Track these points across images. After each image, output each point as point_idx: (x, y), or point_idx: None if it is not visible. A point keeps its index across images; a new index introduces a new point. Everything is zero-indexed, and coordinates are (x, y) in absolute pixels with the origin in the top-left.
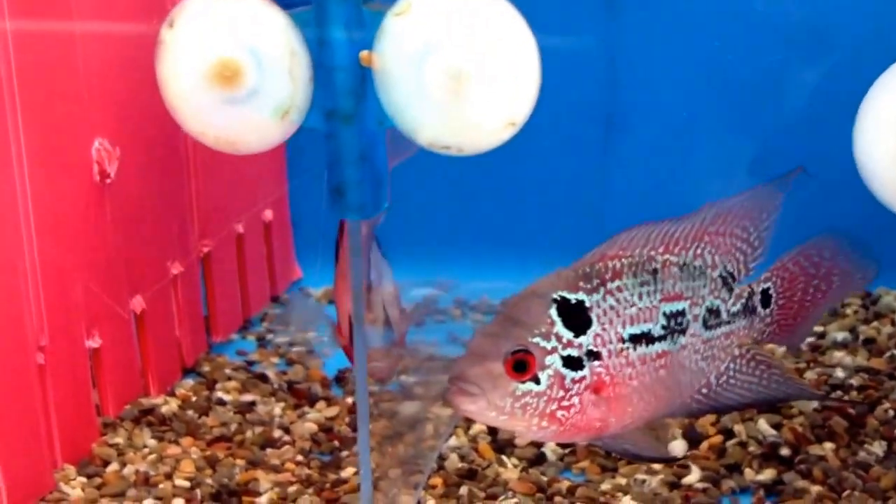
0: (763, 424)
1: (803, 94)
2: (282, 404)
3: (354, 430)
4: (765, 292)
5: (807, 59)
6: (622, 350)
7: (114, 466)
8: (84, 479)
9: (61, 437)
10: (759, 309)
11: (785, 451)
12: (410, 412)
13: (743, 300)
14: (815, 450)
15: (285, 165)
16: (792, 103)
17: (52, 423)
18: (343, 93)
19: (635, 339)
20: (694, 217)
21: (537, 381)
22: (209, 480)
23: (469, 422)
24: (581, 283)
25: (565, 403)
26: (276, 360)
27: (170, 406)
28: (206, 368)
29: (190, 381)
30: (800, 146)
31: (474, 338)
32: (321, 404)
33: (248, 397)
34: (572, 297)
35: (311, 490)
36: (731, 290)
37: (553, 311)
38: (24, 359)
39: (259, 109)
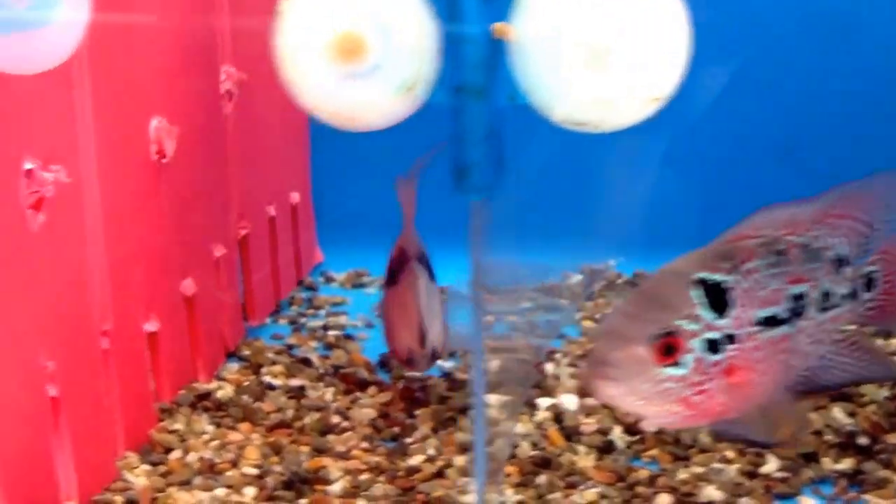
0: (838, 413)
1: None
2: (332, 389)
3: (411, 416)
4: (869, 275)
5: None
6: (754, 333)
7: (176, 454)
8: (148, 467)
9: (124, 424)
10: (864, 292)
11: (863, 440)
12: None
13: (851, 283)
14: (892, 439)
15: (309, 147)
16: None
17: (114, 409)
18: (474, 66)
19: (765, 322)
20: (819, 199)
21: (680, 365)
22: (277, 468)
23: (533, 407)
24: (719, 264)
25: (701, 388)
26: (314, 343)
27: (225, 391)
28: (246, 353)
29: (234, 366)
30: None
31: (612, 319)
32: (372, 389)
33: (296, 382)
34: (713, 277)
35: (382, 478)
36: (841, 273)
37: (696, 292)
38: (90, 344)
39: (382, 84)
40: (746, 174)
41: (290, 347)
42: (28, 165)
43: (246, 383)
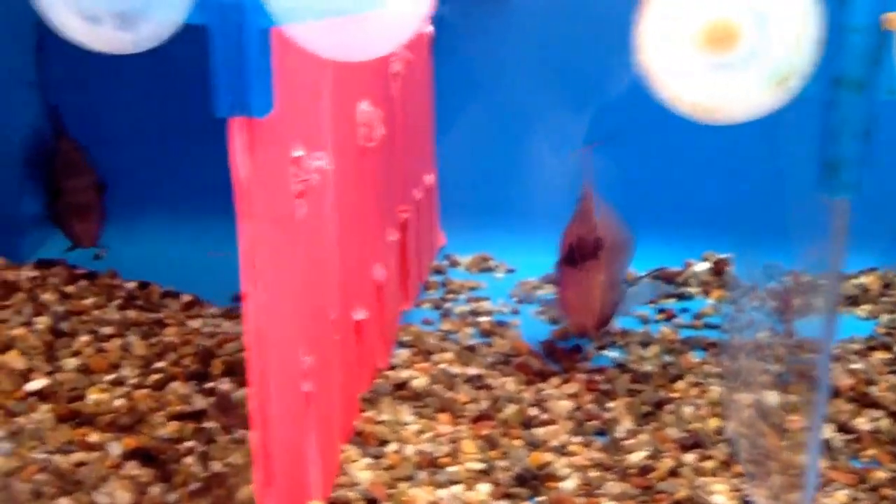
0: None
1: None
2: (511, 379)
3: (604, 408)
4: None
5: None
6: None
7: (393, 446)
8: (369, 461)
9: (339, 416)
10: None
11: None
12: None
13: None
14: None
15: (434, 126)
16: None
17: (336, 401)
18: (857, 58)
19: None
20: None
21: None
22: (501, 463)
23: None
24: None
25: None
26: (469, 330)
27: (420, 381)
28: (406, 338)
29: (404, 352)
30: None
31: None
32: (555, 380)
33: (472, 370)
34: None
35: (612, 475)
36: None
37: None
38: (327, 335)
39: (754, 75)
40: None
41: (448, 333)
42: (297, 153)
43: (434, 372)
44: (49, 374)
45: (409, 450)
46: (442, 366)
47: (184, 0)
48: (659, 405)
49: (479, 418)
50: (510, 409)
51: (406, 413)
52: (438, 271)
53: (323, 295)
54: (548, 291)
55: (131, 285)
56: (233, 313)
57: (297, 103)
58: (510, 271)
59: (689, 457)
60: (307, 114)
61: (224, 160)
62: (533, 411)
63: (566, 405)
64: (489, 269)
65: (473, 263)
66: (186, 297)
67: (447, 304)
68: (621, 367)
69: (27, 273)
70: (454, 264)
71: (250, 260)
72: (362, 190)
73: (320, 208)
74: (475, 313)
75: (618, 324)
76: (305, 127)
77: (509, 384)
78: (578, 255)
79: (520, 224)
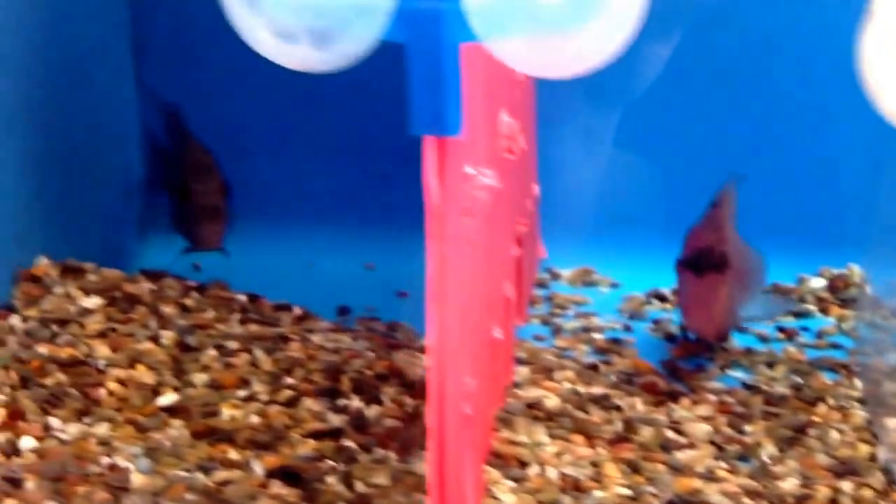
0: None
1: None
2: (638, 399)
3: (742, 432)
4: None
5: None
6: None
7: (534, 469)
8: (512, 483)
9: (480, 436)
10: None
11: None
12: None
13: None
14: None
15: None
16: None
17: (483, 421)
18: None
19: None
20: None
21: None
22: (648, 488)
23: None
24: None
25: None
26: (584, 347)
27: (552, 400)
28: (522, 355)
29: (523, 369)
30: None
31: None
32: (685, 401)
33: (596, 389)
34: None
35: None
36: None
37: None
38: (482, 353)
39: None
40: None
41: (563, 350)
42: (468, 170)
43: (562, 391)
44: (178, 389)
45: (552, 472)
46: (566, 384)
47: (383, 16)
48: (801, 430)
49: (617, 441)
50: (647, 432)
51: (541, 433)
52: (541, 285)
53: (480, 313)
54: (657, 307)
55: (242, 298)
56: (346, 327)
57: (467, 119)
58: (614, 285)
59: (846, 485)
60: (474, 129)
61: (321, 170)
62: (670, 434)
63: (703, 428)
64: (593, 283)
65: (576, 277)
66: (297, 311)
67: (556, 320)
68: (751, 388)
69: (147, 285)
70: (555, 277)
71: (437, 281)
72: (502, 205)
73: (485, 227)
74: (587, 329)
75: (736, 341)
76: (473, 142)
77: (638, 405)
78: (704, 263)
79: (623, 236)
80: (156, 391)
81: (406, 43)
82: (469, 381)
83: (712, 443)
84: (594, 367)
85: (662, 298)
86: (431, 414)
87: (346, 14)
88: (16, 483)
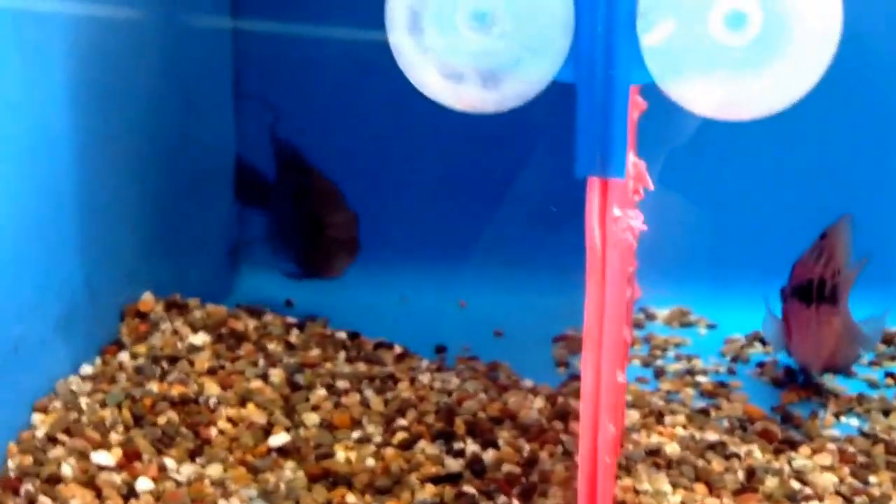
0: None
1: None
2: (755, 446)
3: (867, 483)
4: None
5: None
6: None
7: None
8: None
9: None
10: None
11: None
12: None
13: None
14: None
15: None
16: None
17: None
18: None
19: None
20: None
21: None
22: None
23: None
24: None
25: None
26: (690, 390)
27: (672, 447)
28: (629, 398)
29: (633, 413)
30: None
31: None
32: (804, 449)
33: (710, 436)
34: None
35: None
36: None
37: None
38: (618, 399)
39: None
40: None
41: (668, 393)
42: (616, 212)
43: (678, 437)
44: (289, 429)
45: None
46: (679, 430)
47: (558, 56)
48: None
49: (742, 491)
50: (771, 482)
51: (663, 482)
52: (637, 325)
53: (619, 359)
54: (759, 350)
55: (341, 335)
56: (448, 367)
57: None
58: (711, 326)
59: None
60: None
61: (412, 206)
62: (795, 484)
63: (828, 478)
64: (689, 324)
65: (672, 317)
66: (398, 349)
67: (658, 362)
68: (869, 436)
69: (251, 322)
70: (651, 317)
71: (595, 326)
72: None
73: (623, 269)
74: (691, 372)
75: (846, 387)
76: (623, 184)
77: (756, 452)
78: (815, 293)
79: (719, 275)
80: (267, 431)
81: (577, 83)
82: (611, 429)
83: (839, 493)
84: (705, 412)
85: (764, 342)
86: (584, 464)
87: (520, 55)
88: None
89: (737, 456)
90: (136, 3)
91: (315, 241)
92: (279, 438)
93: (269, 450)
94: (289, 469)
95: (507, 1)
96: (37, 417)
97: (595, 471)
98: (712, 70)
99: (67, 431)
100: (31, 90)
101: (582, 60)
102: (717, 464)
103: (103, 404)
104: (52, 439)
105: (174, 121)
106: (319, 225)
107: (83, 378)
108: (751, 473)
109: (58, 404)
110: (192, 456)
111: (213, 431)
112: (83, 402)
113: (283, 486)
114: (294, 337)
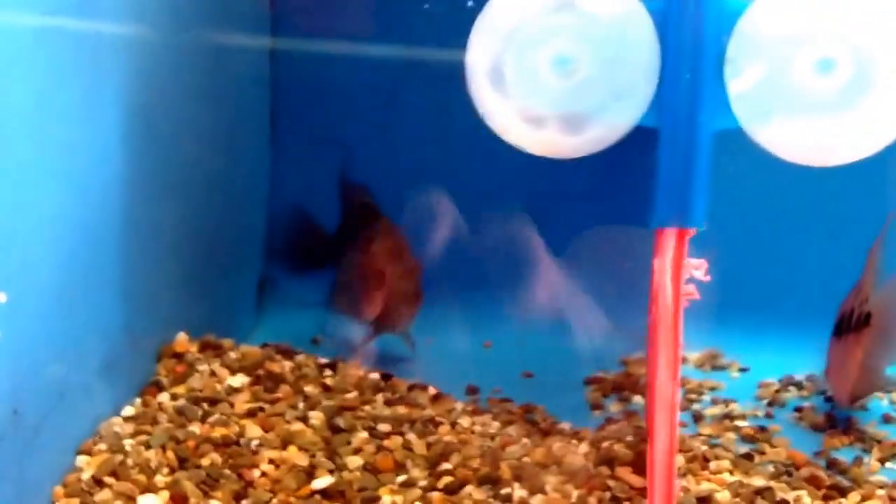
0: None
1: None
2: (804, 492)
3: None
4: None
5: None
6: None
7: None
8: None
9: None
10: None
11: None
12: None
13: None
14: None
15: None
16: None
17: None
18: None
19: None
20: None
21: None
22: None
23: None
24: None
25: None
26: (731, 435)
27: (722, 494)
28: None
29: (677, 458)
30: None
31: None
32: (854, 496)
33: (756, 482)
34: None
35: None
36: None
37: None
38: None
39: None
40: None
41: (710, 437)
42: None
43: (725, 484)
44: (332, 471)
45: None
46: (726, 475)
47: (642, 101)
48: None
49: None
50: None
51: None
52: None
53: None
54: (794, 395)
55: (374, 376)
56: (483, 409)
57: None
58: (743, 370)
59: None
60: None
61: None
62: None
63: None
64: (721, 367)
65: (703, 360)
66: (432, 390)
67: (694, 406)
68: None
69: (287, 363)
70: (682, 361)
71: (670, 390)
72: None
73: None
74: (729, 416)
75: (888, 433)
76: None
77: (805, 498)
78: (844, 326)
79: (752, 318)
80: (309, 473)
81: (661, 128)
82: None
83: None
84: (749, 457)
85: (799, 386)
86: None
87: (604, 100)
88: None
89: (786, 503)
90: (181, 26)
91: (376, 295)
92: (322, 481)
93: (313, 492)
94: None
95: (593, 46)
96: (81, 460)
97: None
98: (800, 115)
99: (114, 474)
100: (87, 128)
101: (666, 105)
102: None
103: (147, 446)
104: (98, 482)
105: (214, 156)
106: (380, 276)
107: (125, 419)
108: None
109: (102, 446)
110: (237, 498)
111: (256, 473)
112: (127, 444)
113: None
114: (330, 379)
